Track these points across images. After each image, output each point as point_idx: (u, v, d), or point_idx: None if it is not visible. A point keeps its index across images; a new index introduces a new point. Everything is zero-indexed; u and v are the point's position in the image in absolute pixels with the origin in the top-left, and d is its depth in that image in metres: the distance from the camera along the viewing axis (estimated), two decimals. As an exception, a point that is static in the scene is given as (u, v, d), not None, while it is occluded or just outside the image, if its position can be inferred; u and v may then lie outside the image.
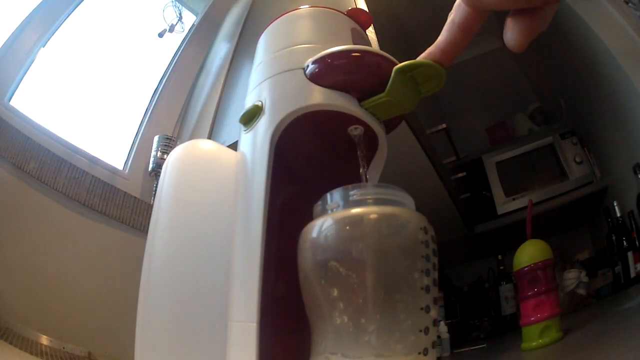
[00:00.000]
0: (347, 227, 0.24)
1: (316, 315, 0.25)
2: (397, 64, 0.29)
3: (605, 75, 1.24)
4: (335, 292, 0.24)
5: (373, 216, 0.24)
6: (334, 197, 0.25)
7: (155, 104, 1.43)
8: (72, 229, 1.08)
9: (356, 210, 0.24)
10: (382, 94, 0.30)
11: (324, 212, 0.26)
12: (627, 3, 1.03)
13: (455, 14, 0.27)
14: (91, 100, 1.32)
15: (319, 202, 0.27)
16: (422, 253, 0.23)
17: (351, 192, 0.25)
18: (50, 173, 1.06)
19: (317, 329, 0.25)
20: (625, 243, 1.13)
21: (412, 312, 0.23)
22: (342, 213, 0.25)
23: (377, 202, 0.24)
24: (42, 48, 1.21)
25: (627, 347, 0.47)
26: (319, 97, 0.31)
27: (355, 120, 0.32)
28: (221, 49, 1.35)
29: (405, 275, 0.23)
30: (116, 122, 1.38)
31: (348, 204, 0.25)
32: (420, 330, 0.22)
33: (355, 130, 0.32)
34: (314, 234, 0.25)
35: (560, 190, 1.50)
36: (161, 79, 1.50)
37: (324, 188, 0.27)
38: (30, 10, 1.19)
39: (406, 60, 0.29)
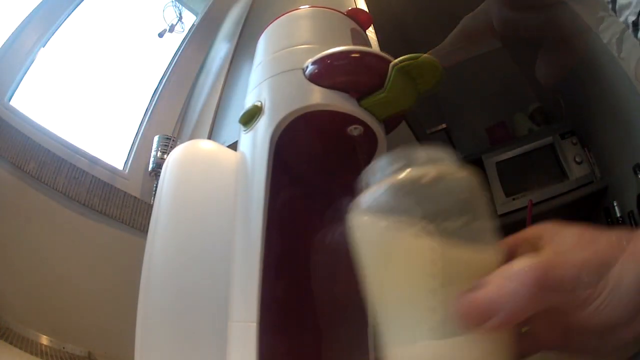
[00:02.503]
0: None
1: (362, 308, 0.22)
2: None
3: (605, 76, 1.24)
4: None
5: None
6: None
7: (155, 104, 1.43)
8: (72, 229, 1.08)
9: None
10: (381, 91, 0.30)
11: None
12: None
13: (469, 25, 0.27)
14: (91, 100, 1.32)
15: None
16: None
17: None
18: (50, 173, 1.06)
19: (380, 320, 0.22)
20: (625, 243, 1.13)
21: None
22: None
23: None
24: (42, 48, 1.21)
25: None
26: (318, 97, 0.31)
27: (355, 120, 0.32)
28: (221, 49, 1.35)
29: None
30: (116, 122, 1.38)
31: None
32: None
33: (355, 130, 0.32)
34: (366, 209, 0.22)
35: (560, 190, 1.50)
36: (161, 79, 1.50)
37: (323, 188, 0.27)
38: (30, 10, 1.19)
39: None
